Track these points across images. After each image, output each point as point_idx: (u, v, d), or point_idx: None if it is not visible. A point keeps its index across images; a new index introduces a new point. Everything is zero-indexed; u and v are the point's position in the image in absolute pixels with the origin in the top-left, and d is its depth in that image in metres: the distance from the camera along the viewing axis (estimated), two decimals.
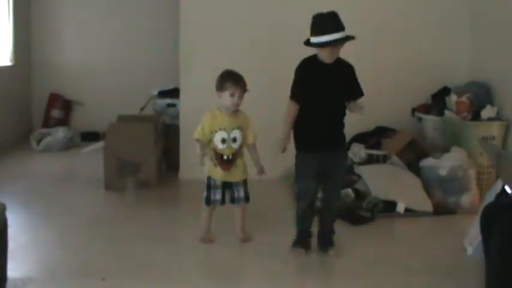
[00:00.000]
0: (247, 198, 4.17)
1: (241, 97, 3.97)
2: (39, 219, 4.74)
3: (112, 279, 3.52)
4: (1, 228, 3.19)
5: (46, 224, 4.60)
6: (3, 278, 3.27)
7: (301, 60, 3.82)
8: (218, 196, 4.12)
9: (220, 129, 4.00)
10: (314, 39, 3.68)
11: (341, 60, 3.80)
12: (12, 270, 3.36)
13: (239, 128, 4.02)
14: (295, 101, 3.79)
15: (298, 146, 3.88)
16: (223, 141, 4.00)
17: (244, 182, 4.16)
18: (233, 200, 4.17)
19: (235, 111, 4.03)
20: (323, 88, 3.74)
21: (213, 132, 4.00)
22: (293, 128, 3.83)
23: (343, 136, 3.96)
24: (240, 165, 4.09)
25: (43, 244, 4.17)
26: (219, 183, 4.10)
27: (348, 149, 5.76)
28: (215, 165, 4.06)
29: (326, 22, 3.66)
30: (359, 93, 3.85)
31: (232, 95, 3.94)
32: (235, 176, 4.10)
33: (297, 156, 3.91)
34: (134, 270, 3.70)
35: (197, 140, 3.99)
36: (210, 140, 4.01)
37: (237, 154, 4.06)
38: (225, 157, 4.03)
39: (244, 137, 4.06)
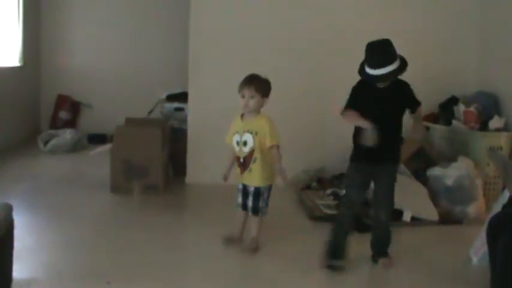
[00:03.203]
0: (254, 210, 4.11)
1: (253, 99, 3.95)
2: (45, 220, 4.75)
3: (117, 282, 3.52)
4: (7, 229, 3.19)
5: (52, 226, 4.60)
6: (8, 278, 3.27)
7: (360, 79, 3.80)
8: (239, 200, 4.17)
9: (236, 132, 4.07)
10: (367, 69, 3.67)
11: (396, 79, 3.78)
12: (17, 271, 3.36)
13: (250, 131, 4.00)
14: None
15: (351, 157, 3.94)
16: (237, 143, 4.05)
17: (257, 192, 4.07)
18: (245, 207, 4.18)
19: (253, 114, 4.02)
20: (376, 109, 3.69)
21: (231, 135, 4.10)
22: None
23: (393, 153, 3.90)
24: (255, 171, 4.03)
25: (48, 246, 4.17)
26: (240, 187, 4.16)
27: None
28: (237, 166, 4.12)
29: (376, 55, 3.66)
30: (417, 104, 3.89)
31: (242, 96, 3.97)
32: (248, 180, 4.09)
33: (348, 167, 3.98)
34: (139, 275, 3.69)
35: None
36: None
37: (249, 158, 4.03)
38: (241, 160, 4.07)
39: (261, 142, 4.00)
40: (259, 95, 3.97)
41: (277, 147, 3.99)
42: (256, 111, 4.03)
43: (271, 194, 4.15)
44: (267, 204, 4.14)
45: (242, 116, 4.09)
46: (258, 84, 3.97)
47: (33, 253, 3.95)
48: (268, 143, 3.97)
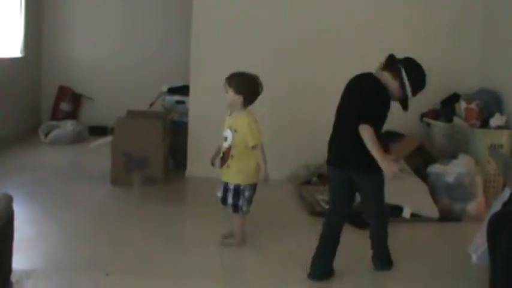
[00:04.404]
0: (234, 208, 4.07)
1: (228, 94, 4.00)
2: (45, 212, 4.76)
3: (116, 274, 3.53)
4: (7, 220, 3.20)
5: (52, 217, 4.61)
6: (8, 269, 3.28)
7: (378, 83, 3.57)
8: (219, 194, 4.16)
9: (225, 128, 4.09)
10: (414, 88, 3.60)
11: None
12: (17, 262, 3.37)
13: (231, 128, 4.01)
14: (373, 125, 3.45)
15: (377, 167, 3.43)
16: (226, 139, 4.07)
17: (236, 190, 4.04)
18: (224, 202, 4.15)
19: (237, 111, 4.02)
20: (387, 115, 3.61)
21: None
22: (364, 150, 3.42)
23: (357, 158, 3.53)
24: (232, 168, 4.02)
25: (48, 237, 4.18)
26: (222, 181, 4.15)
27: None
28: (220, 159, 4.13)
29: (424, 78, 3.66)
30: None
31: (226, 92, 4.03)
32: (226, 176, 4.09)
33: (378, 180, 3.62)
34: (138, 267, 3.70)
35: None
36: None
37: (227, 154, 4.03)
38: (221, 154, 4.08)
39: (239, 140, 3.99)
40: (232, 91, 3.97)
41: (261, 145, 3.99)
42: (240, 108, 4.01)
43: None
44: (248, 203, 4.07)
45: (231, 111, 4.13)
46: (233, 81, 3.99)
47: (33, 244, 3.95)
48: (250, 142, 3.97)
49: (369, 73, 3.61)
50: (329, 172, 3.74)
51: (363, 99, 3.53)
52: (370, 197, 3.70)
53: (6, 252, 3.24)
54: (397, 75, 3.56)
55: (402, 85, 3.56)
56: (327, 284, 3.63)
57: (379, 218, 3.78)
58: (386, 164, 3.36)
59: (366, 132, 3.37)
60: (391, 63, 3.60)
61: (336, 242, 3.65)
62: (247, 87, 3.98)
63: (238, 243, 4.13)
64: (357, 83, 3.63)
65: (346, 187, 3.62)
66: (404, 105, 3.66)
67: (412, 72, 3.60)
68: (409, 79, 3.56)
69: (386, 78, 3.57)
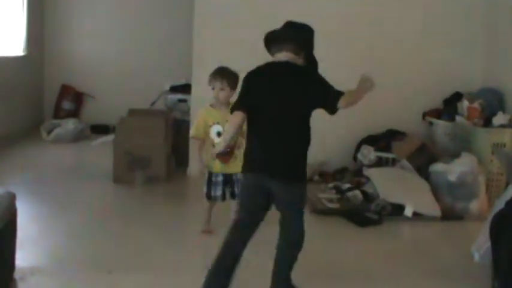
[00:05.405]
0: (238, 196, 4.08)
1: (224, 91, 4.07)
2: (48, 209, 4.76)
3: (118, 272, 3.53)
4: (11, 218, 3.20)
5: (54, 215, 4.61)
6: (11, 266, 3.28)
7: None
8: (219, 192, 4.18)
9: (217, 123, 4.10)
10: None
11: None
12: (20, 260, 3.38)
13: (223, 122, 4.03)
14: None
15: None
16: (218, 134, 4.07)
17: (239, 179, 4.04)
18: (233, 195, 4.17)
19: (225, 105, 4.02)
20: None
21: (206, 127, 4.13)
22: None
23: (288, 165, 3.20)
24: (238, 158, 4.02)
25: (51, 235, 4.18)
26: (220, 179, 4.16)
27: (358, 150, 5.80)
28: (213, 158, 4.07)
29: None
30: None
31: (213, 88, 4.11)
32: (234, 167, 4.07)
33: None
34: (140, 264, 3.70)
35: (192, 137, 4.22)
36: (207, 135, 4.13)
37: (233, 147, 4.03)
38: (227, 149, 4.05)
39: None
40: (229, 88, 4.08)
41: None
42: (226, 103, 4.05)
43: None
44: None
45: (212, 106, 4.17)
46: (228, 78, 4.08)
47: (35, 242, 3.95)
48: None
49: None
50: None
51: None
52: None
53: (9, 249, 3.25)
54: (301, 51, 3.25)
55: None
56: (325, 281, 3.63)
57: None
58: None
59: None
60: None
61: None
62: (237, 81, 4.04)
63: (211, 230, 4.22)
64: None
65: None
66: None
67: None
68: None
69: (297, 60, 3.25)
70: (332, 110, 3.06)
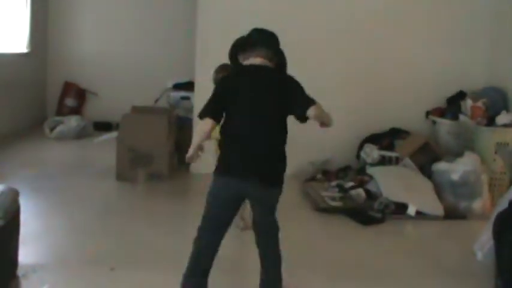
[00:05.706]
0: None
1: None
2: (51, 206, 4.76)
3: (120, 269, 3.53)
4: (14, 214, 3.20)
5: (57, 212, 4.62)
6: (14, 263, 3.29)
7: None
8: None
9: None
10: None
11: None
12: (23, 256, 3.38)
13: None
14: None
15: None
16: None
17: None
18: None
19: None
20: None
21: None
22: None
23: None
24: None
25: (54, 231, 4.18)
26: None
27: (361, 149, 5.80)
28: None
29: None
30: None
31: None
32: None
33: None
34: (143, 261, 3.71)
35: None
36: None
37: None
38: None
39: None
40: None
41: None
42: None
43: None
44: None
45: None
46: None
47: (38, 238, 3.96)
48: None
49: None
50: None
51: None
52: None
53: (12, 246, 3.25)
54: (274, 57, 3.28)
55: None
56: (329, 278, 3.63)
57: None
58: None
59: None
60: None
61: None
62: None
63: (248, 226, 4.16)
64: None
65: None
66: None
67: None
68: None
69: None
70: (301, 117, 3.03)
